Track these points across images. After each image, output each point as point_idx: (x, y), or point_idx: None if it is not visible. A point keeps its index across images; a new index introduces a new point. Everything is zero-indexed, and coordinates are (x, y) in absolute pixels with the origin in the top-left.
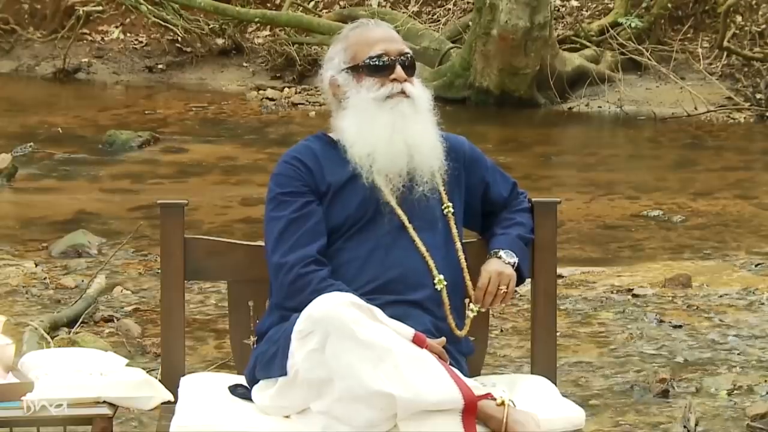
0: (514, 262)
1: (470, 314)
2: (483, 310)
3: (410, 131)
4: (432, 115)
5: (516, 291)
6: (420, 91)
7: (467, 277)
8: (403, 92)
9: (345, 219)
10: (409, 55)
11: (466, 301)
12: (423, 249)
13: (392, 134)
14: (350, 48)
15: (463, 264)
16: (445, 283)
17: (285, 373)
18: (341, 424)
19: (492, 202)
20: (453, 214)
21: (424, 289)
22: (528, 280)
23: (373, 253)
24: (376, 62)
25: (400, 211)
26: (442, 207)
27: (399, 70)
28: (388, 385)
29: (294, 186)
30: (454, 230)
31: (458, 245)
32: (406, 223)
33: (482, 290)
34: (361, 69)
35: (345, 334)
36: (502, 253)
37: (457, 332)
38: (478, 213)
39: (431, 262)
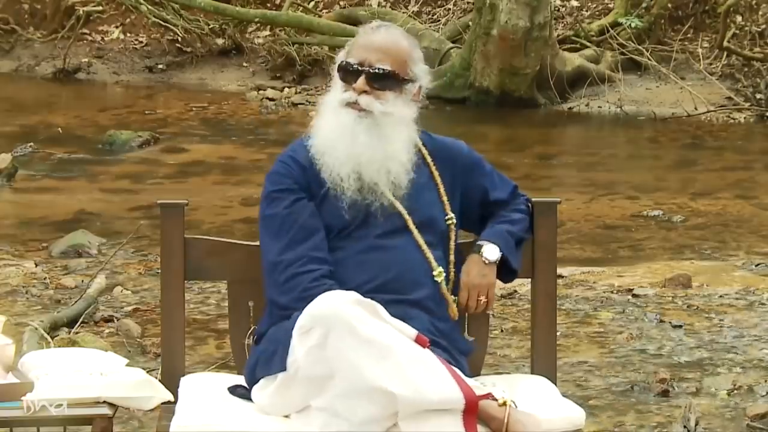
0: (496, 259)
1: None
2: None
3: (357, 143)
4: (401, 132)
5: (515, 291)
6: (387, 107)
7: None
8: (357, 103)
9: (338, 219)
10: (382, 69)
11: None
12: (422, 243)
13: (336, 141)
14: (350, 46)
15: (452, 275)
16: (444, 275)
17: (285, 369)
18: (341, 420)
19: (491, 205)
20: (455, 225)
21: (423, 288)
22: (528, 280)
23: (369, 252)
24: (346, 67)
25: (401, 208)
26: (446, 218)
27: (360, 81)
28: (390, 382)
29: (285, 183)
30: (452, 242)
31: (452, 257)
32: (409, 223)
33: (463, 305)
34: (339, 69)
35: (346, 331)
36: (484, 248)
37: (455, 313)
38: (476, 217)
39: (430, 256)
